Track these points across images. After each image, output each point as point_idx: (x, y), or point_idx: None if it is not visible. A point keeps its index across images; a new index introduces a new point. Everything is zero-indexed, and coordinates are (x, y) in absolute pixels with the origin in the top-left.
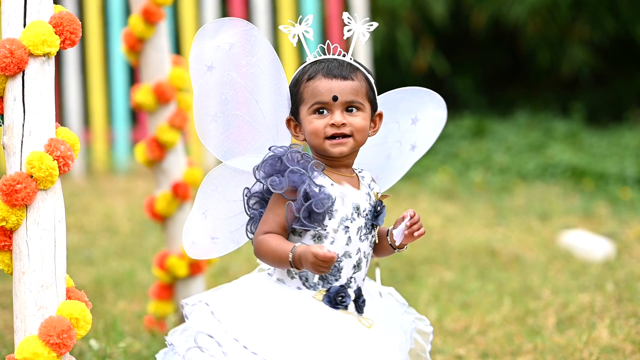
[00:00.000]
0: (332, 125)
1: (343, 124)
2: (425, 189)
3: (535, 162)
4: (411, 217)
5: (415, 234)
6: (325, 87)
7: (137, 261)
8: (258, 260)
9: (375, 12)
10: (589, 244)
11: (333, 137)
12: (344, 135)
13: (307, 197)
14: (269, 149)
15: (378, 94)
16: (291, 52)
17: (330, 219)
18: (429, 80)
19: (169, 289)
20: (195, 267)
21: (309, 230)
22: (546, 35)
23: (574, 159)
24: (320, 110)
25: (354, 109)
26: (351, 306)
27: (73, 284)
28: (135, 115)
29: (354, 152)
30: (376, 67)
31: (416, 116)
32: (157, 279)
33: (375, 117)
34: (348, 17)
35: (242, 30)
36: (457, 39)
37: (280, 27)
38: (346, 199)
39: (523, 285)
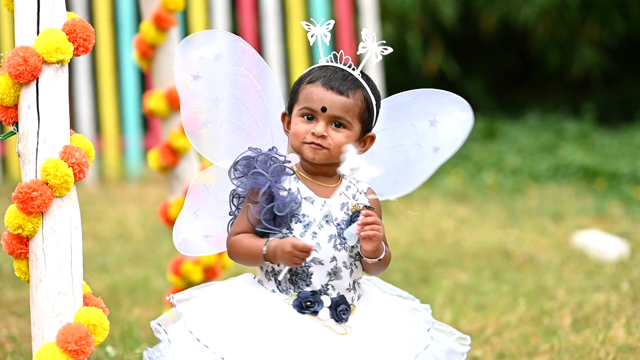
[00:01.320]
0: (312, 134)
1: (322, 135)
2: (438, 191)
3: (547, 163)
4: (365, 217)
5: (363, 234)
6: (318, 95)
7: (151, 267)
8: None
9: (385, 15)
10: (602, 244)
11: (311, 144)
12: (321, 147)
13: (270, 199)
14: (248, 148)
15: (388, 96)
16: (302, 54)
17: (296, 223)
18: (440, 83)
19: None
20: (210, 272)
21: (274, 233)
22: (556, 37)
23: (586, 159)
24: (309, 116)
25: (341, 126)
26: (325, 313)
27: (90, 291)
28: (147, 122)
29: (333, 164)
30: (386, 70)
31: (434, 118)
32: (172, 285)
33: (366, 137)
34: (366, 34)
35: (228, 42)
36: (467, 41)
37: (302, 24)
38: (315, 205)
39: (538, 286)
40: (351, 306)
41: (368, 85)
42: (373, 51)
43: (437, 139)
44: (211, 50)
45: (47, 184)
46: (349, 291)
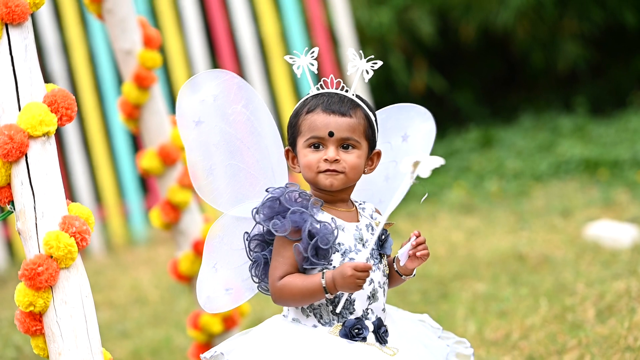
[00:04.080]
0: (326, 160)
1: (336, 160)
2: (444, 206)
3: (548, 162)
4: (416, 237)
5: (419, 254)
6: (322, 122)
7: (171, 327)
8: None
9: (364, 41)
10: (614, 232)
11: (325, 172)
12: (336, 171)
13: (311, 235)
14: (266, 190)
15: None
16: (288, 91)
17: (334, 253)
18: (429, 100)
19: (207, 348)
20: (229, 322)
21: (316, 267)
22: (536, 36)
23: (585, 151)
24: (316, 145)
25: (350, 147)
26: (371, 337)
27: (110, 357)
28: (145, 184)
29: (349, 188)
30: (374, 95)
31: (405, 132)
32: (194, 340)
33: (373, 155)
34: (353, 54)
35: (224, 80)
36: (450, 54)
37: (286, 58)
38: (347, 231)
39: (556, 284)
40: (386, 327)
41: (363, 103)
42: (363, 68)
43: (410, 154)
44: (210, 92)
45: (52, 257)
46: (383, 311)
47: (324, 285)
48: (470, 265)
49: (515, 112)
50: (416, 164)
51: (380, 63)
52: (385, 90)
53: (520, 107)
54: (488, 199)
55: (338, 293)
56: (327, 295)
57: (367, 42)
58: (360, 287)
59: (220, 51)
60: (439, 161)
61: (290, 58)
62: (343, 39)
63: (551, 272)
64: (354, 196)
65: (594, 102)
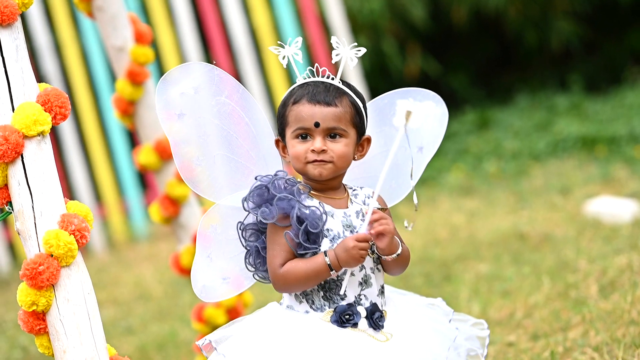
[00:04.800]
0: (313, 151)
1: (323, 150)
2: (443, 189)
3: (545, 141)
4: (373, 213)
5: (373, 231)
6: (308, 112)
7: (176, 321)
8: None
9: (356, 28)
10: (614, 208)
11: (313, 162)
12: (324, 161)
13: (300, 220)
14: (255, 178)
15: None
16: (282, 82)
17: (322, 239)
18: (424, 84)
19: None
20: (233, 313)
21: (308, 252)
22: (529, 15)
23: (582, 129)
24: (303, 135)
25: (337, 136)
26: (363, 323)
27: (115, 353)
28: (144, 180)
29: (339, 176)
30: (368, 82)
31: None
32: (199, 333)
33: (363, 141)
34: (336, 42)
35: (203, 72)
36: (443, 38)
37: (270, 48)
38: (335, 218)
39: (558, 262)
40: (383, 312)
41: (350, 90)
42: (347, 56)
43: (419, 138)
44: (189, 84)
45: (52, 255)
46: (379, 297)
47: (328, 263)
48: (472, 247)
49: (510, 93)
50: (409, 113)
51: (364, 50)
52: (380, 77)
53: (515, 87)
54: (487, 180)
55: (341, 271)
56: (332, 272)
57: (360, 29)
58: (363, 258)
59: (213, 44)
60: (431, 107)
61: (275, 49)
62: (335, 27)
63: (553, 250)
64: (361, 183)
65: (588, 79)
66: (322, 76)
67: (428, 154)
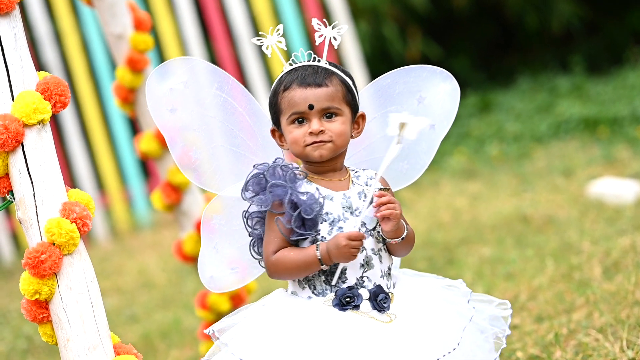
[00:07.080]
0: (311, 133)
1: (321, 131)
2: (445, 173)
3: (547, 123)
4: (379, 198)
5: (379, 214)
6: (300, 96)
7: (179, 308)
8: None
9: (356, 13)
10: (617, 189)
11: (312, 144)
12: (323, 142)
13: (295, 206)
14: (253, 167)
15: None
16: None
17: (321, 223)
18: None
19: None
20: (237, 299)
21: (306, 238)
22: None
23: (584, 110)
24: (300, 120)
25: (333, 115)
26: (366, 305)
27: (119, 340)
28: (146, 168)
29: (339, 156)
30: (370, 66)
31: (420, 95)
32: (203, 320)
33: (358, 118)
34: (317, 23)
35: (190, 67)
36: (443, 21)
37: (252, 40)
38: (335, 200)
39: (562, 244)
40: (389, 294)
41: (338, 69)
42: (330, 35)
43: (429, 116)
44: (178, 79)
45: (54, 244)
46: (383, 278)
47: (319, 257)
48: (475, 230)
49: (512, 75)
50: (402, 125)
51: (346, 27)
52: (381, 61)
53: (516, 69)
54: (489, 163)
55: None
56: (322, 266)
57: (360, 14)
58: (354, 256)
59: (213, 31)
60: (425, 122)
61: (257, 39)
62: (336, 12)
63: (556, 232)
64: (367, 165)
65: (590, 60)
66: (308, 60)
67: (441, 132)
